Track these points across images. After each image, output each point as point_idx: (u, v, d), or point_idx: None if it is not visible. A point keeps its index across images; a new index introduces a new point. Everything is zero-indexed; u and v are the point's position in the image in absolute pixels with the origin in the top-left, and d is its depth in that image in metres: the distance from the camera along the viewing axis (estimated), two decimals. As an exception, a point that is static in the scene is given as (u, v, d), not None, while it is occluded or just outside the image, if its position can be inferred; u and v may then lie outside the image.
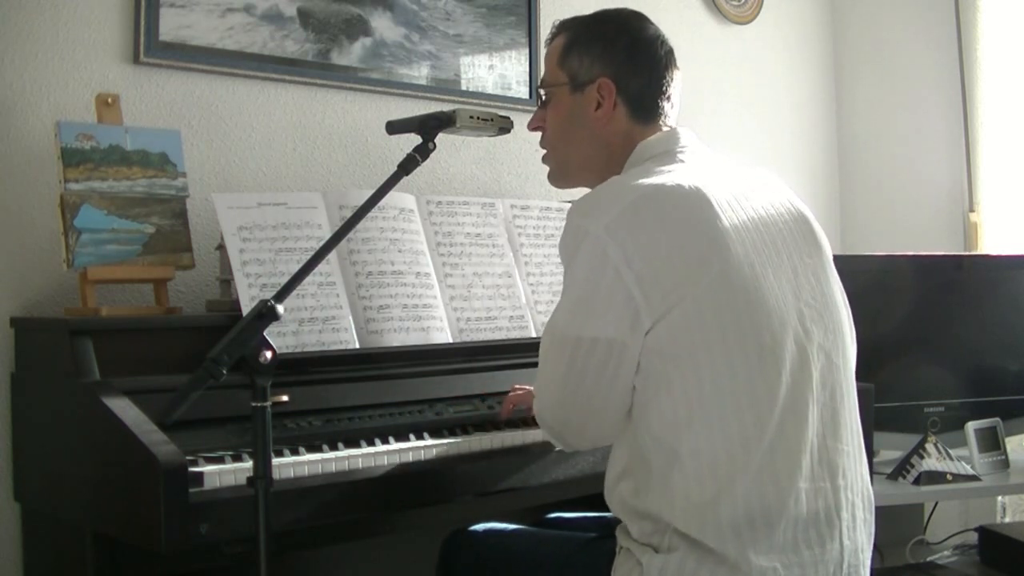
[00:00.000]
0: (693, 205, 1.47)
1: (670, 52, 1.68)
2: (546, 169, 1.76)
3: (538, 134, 1.75)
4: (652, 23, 1.69)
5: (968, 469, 2.68)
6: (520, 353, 2.16)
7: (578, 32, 1.68)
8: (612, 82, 1.63)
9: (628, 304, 1.42)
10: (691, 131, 1.65)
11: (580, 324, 1.46)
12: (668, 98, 1.66)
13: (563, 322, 1.49)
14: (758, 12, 3.55)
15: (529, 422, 1.94)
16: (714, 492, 1.41)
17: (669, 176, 1.51)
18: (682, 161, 1.58)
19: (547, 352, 1.53)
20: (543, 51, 1.78)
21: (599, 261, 1.43)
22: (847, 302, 1.64)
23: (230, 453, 1.70)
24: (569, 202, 2.46)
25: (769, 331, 1.45)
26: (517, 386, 2.02)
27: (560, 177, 1.75)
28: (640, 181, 1.49)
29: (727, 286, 1.43)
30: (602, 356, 1.44)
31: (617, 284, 1.42)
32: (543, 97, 1.72)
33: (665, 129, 1.65)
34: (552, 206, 2.46)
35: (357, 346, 2.02)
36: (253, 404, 1.42)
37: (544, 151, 1.75)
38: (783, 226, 1.56)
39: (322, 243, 1.59)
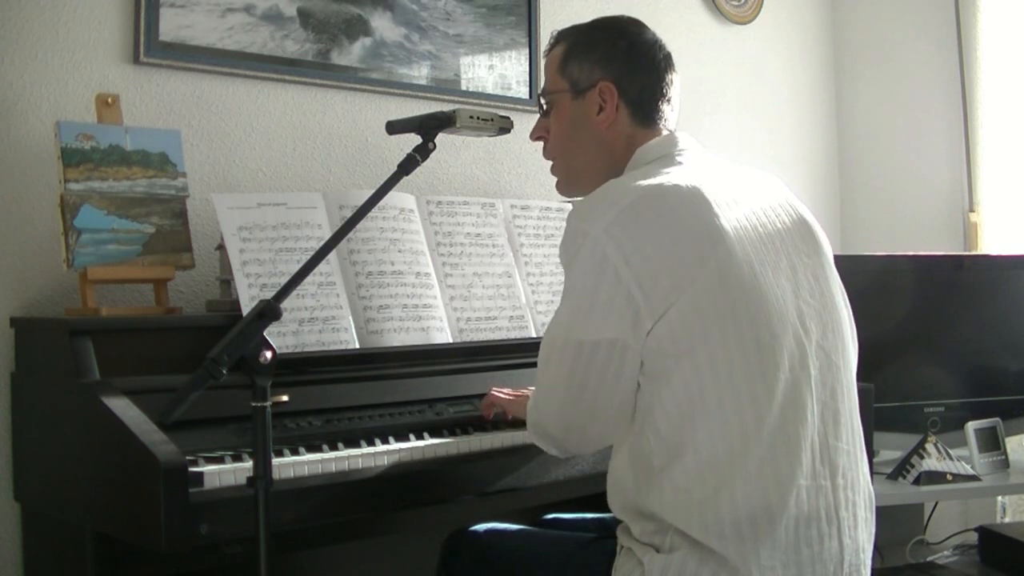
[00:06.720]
0: (691, 204, 1.47)
1: (668, 56, 1.69)
2: (547, 170, 1.76)
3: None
4: (649, 29, 1.71)
5: (968, 469, 2.68)
6: (520, 353, 2.16)
7: (577, 39, 1.69)
8: (613, 85, 1.64)
9: (629, 304, 1.42)
10: (689, 135, 1.66)
11: (581, 328, 1.46)
12: (668, 100, 1.68)
13: (564, 328, 1.49)
14: (758, 12, 3.55)
15: (518, 424, 1.94)
16: (714, 488, 1.41)
17: (667, 177, 1.51)
18: (680, 163, 1.59)
19: (548, 360, 1.53)
20: (543, 53, 1.78)
21: (599, 263, 1.44)
22: (848, 303, 1.64)
23: (230, 453, 1.70)
24: (569, 203, 2.47)
25: (768, 328, 1.46)
26: (496, 389, 2.01)
27: (567, 185, 1.75)
28: (638, 183, 1.50)
29: (725, 283, 1.44)
30: (604, 358, 1.45)
31: (617, 285, 1.43)
32: (544, 106, 1.72)
33: (664, 133, 1.66)
34: (552, 206, 2.46)
35: (357, 346, 2.02)
36: (253, 404, 1.42)
37: (551, 162, 1.74)
38: (782, 226, 1.57)
39: (322, 243, 1.59)
